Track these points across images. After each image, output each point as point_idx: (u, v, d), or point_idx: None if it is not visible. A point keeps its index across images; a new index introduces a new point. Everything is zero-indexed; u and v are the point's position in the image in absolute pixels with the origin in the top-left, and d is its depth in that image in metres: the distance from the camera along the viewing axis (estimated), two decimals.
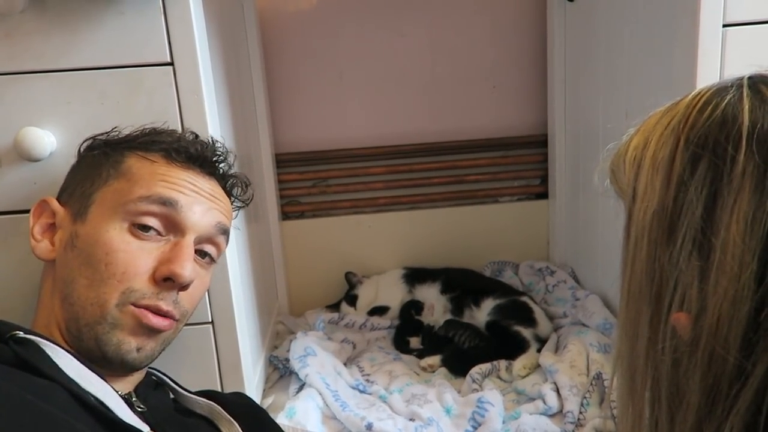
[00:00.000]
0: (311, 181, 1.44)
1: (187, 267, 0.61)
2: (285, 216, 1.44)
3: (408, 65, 1.41)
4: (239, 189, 0.75)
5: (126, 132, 0.70)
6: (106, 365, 0.60)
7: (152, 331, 0.61)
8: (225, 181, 0.72)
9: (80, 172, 0.67)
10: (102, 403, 0.52)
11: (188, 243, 0.63)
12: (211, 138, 0.72)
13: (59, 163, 0.73)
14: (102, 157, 0.66)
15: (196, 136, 0.71)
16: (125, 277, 0.59)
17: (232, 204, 0.73)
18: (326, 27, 1.37)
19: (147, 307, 0.60)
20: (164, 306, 0.61)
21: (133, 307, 0.60)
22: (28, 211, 0.74)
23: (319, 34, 1.37)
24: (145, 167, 0.64)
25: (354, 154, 1.42)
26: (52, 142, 0.73)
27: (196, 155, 0.67)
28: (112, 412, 0.52)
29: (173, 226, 0.63)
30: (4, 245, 0.76)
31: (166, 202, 0.62)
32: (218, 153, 0.70)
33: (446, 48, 1.40)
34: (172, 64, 0.73)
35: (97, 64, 0.73)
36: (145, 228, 0.61)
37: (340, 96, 1.41)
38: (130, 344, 0.60)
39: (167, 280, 0.61)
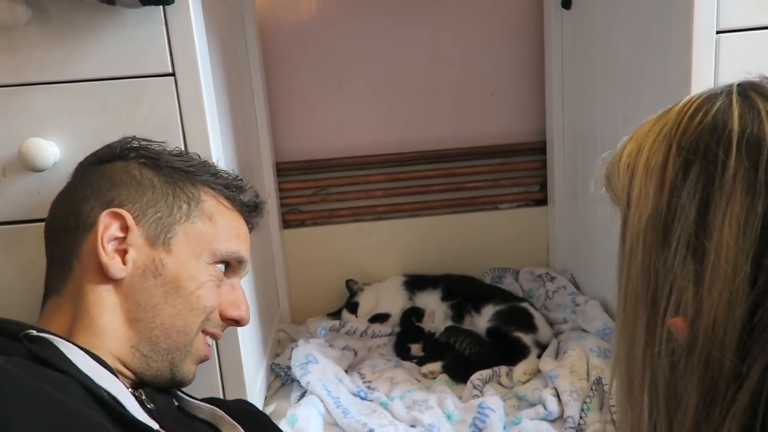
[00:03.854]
0: (311, 189, 1.45)
1: (248, 311, 0.72)
2: (286, 224, 1.45)
3: (407, 74, 1.42)
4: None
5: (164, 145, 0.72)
6: (160, 384, 0.66)
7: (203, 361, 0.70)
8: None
9: (145, 192, 0.65)
10: (115, 399, 0.53)
11: (241, 287, 0.73)
12: (253, 189, 0.79)
13: (63, 173, 0.74)
14: (176, 188, 0.66)
15: (238, 177, 0.76)
16: (207, 310, 0.67)
17: None
18: (326, 36, 1.39)
19: (214, 335, 0.70)
20: (222, 336, 0.72)
21: (203, 335, 0.68)
22: (31, 221, 0.75)
23: (319, 44, 1.39)
24: (223, 215, 0.70)
25: (354, 162, 1.43)
26: (56, 152, 0.74)
27: (255, 208, 0.77)
28: (124, 408, 0.53)
29: (232, 272, 0.72)
30: (7, 254, 0.77)
31: (241, 261, 0.72)
32: (263, 207, 0.79)
33: (445, 56, 1.42)
34: (173, 74, 0.74)
35: (99, 76, 0.74)
36: (223, 267, 0.70)
37: (339, 104, 1.43)
38: (192, 372, 0.68)
39: (231, 320, 0.70)
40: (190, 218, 0.66)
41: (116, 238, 0.62)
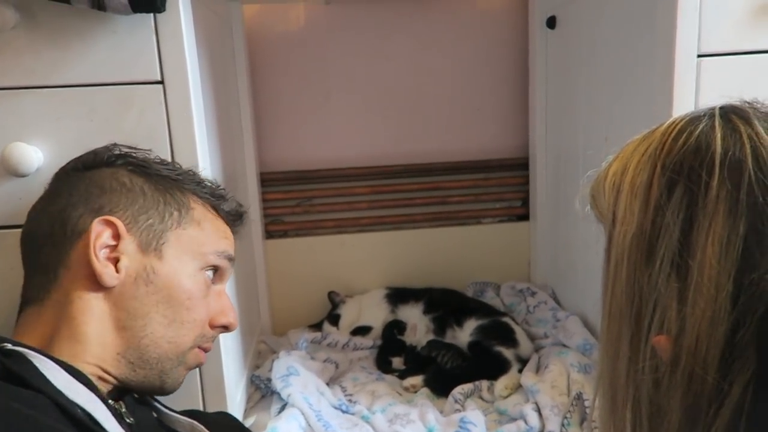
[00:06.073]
0: (295, 200, 1.45)
1: (236, 317, 0.72)
2: (268, 235, 1.44)
3: (394, 87, 1.43)
4: None
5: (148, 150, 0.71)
6: (149, 392, 0.66)
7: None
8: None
9: (136, 199, 0.64)
10: (89, 416, 0.52)
11: (226, 292, 0.72)
12: (234, 198, 0.79)
13: (46, 179, 0.73)
14: (166, 195, 0.66)
15: (220, 187, 0.76)
16: (199, 323, 0.67)
17: None
18: (313, 48, 1.39)
19: (207, 349, 0.70)
20: (211, 347, 0.71)
21: (198, 350, 0.68)
22: (11, 227, 0.74)
23: (306, 55, 1.39)
24: (210, 221, 0.70)
25: (338, 174, 1.44)
26: (40, 157, 0.73)
27: (239, 217, 0.77)
28: (99, 424, 0.52)
29: (219, 278, 0.71)
30: None
31: (231, 259, 0.71)
32: (245, 215, 0.79)
33: (431, 71, 1.43)
34: (162, 82, 0.74)
35: (87, 81, 0.73)
36: (211, 273, 0.69)
37: (325, 116, 1.43)
38: (182, 378, 0.68)
39: (220, 327, 0.70)
40: (181, 225, 0.66)
41: (108, 246, 0.61)
